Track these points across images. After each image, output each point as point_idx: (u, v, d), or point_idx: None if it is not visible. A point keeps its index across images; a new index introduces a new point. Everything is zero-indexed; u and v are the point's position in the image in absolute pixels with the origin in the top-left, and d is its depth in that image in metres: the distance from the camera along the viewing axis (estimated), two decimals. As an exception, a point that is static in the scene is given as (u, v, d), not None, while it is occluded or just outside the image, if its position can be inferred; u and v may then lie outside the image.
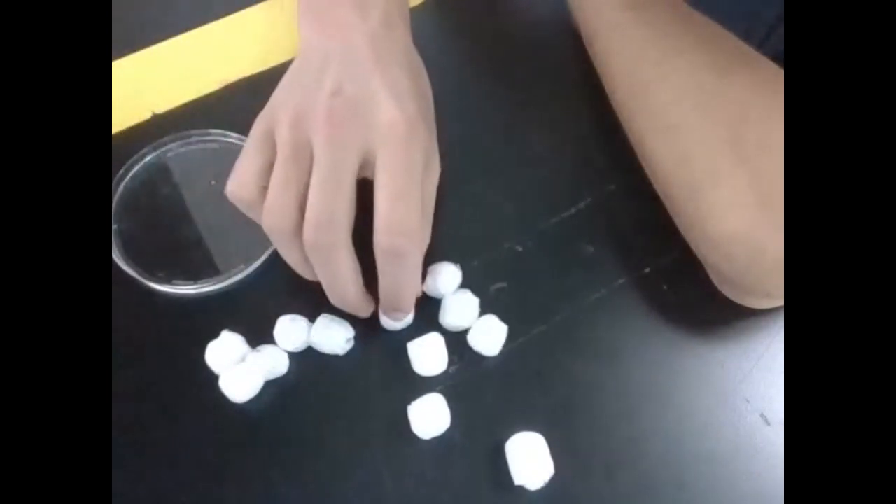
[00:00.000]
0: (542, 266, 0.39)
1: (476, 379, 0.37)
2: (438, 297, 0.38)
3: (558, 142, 0.43)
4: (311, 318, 0.37)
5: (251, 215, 0.35)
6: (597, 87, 0.42)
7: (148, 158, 0.42)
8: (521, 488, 0.34)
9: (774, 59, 0.35)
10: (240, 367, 0.36)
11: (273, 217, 0.33)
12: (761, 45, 0.36)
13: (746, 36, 0.37)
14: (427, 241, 0.37)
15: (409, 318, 0.37)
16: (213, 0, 0.47)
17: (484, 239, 0.40)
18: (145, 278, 0.38)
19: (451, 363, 0.37)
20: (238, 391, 0.35)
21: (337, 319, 0.37)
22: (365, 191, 0.34)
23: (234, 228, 0.39)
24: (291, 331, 0.37)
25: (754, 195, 0.32)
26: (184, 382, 0.37)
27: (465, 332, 0.37)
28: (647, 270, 0.39)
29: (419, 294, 0.37)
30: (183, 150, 0.42)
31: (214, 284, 0.38)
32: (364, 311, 0.37)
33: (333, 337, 0.37)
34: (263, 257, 0.39)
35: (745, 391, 0.37)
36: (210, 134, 0.42)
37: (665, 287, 0.39)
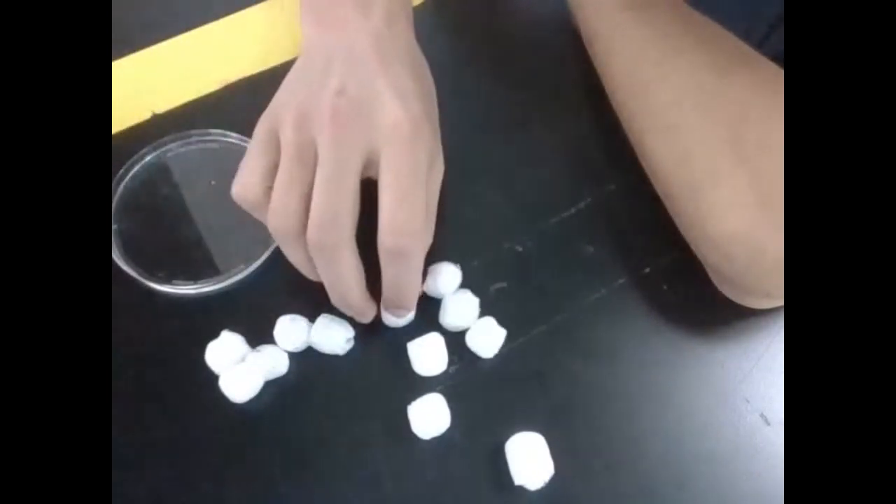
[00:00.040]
0: (542, 266, 0.39)
1: (476, 379, 0.37)
2: (438, 297, 0.38)
3: (558, 142, 0.43)
4: (311, 318, 0.37)
5: (257, 216, 0.35)
6: (597, 87, 0.42)
7: (148, 158, 0.42)
8: (521, 488, 0.34)
9: (774, 59, 0.35)
10: (240, 367, 0.36)
11: (278, 218, 0.33)
12: (761, 45, 0.36)
13: (746, 36, 0.37)
14: (431, 240, 0.37)
15: (410, 315, 0.37)
16: (213, 0, 0.47)
17: (484, 239, 0.40)
18: (145, 278, 0.38)
19: (451, 363, 0.37)
20: (238, 391, 0.35)
21: (337, 319, 0.37)
22: (369, 190, 0.34)
23: (234, 228, 0.39)
24: (291, 331, 0.37)
25: (754, 195, 0.32)
26: (184, 382, 0.37)
27: (465, 332, 0.37)
28: (647, 270, 0.39)
29: (420, 293, 0.37)
30: (183, 150, 0.42)
31: (214, 284, 0.38)
32: (365, 316, 0.37)
33: (333, 337, 0.37)
34: (263, 257, 0.39)
35: (745, 391, 0.37)
36: (210, 134, 0.42)
37: (665, 287, 0.39)
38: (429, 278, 0.38)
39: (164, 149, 0.42)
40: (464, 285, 0.38)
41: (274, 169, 0.34)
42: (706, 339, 0.38)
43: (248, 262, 0.39)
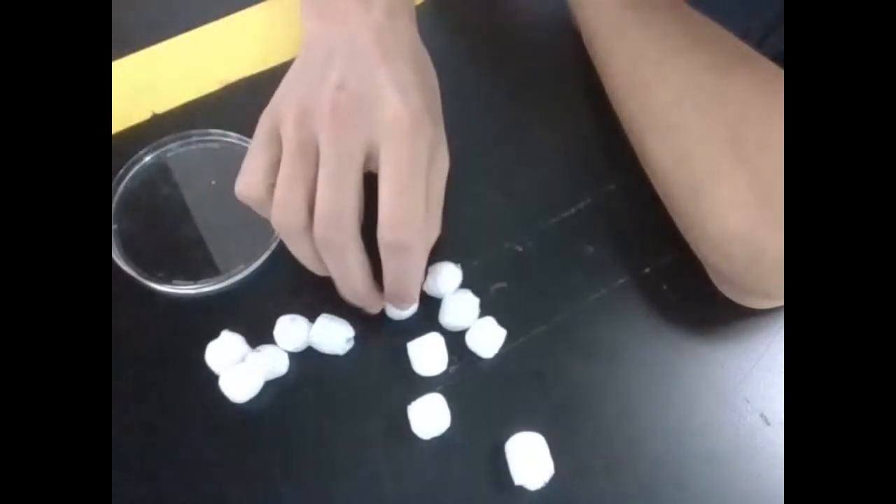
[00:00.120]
0: (542, 266, 0.39)
1: (476, 379, 0.37)
2: (439, 296, 0.38)
3: (558, 142, 0.43)
4: (311, 318, 0.37)
5: (261, 213, 0.35)
6: (597, 87, 0.42)
7: (148, 158, 0.42)
8: (521, 488, 0.34)
9: (774, 59, 0.35)
10: (240, 367, 0.36)
11: (282, 214, 0.33)
12: (761, 45, 0.36)
13: (746, 36, 0.37)
14: (437, 233, 0.37)
15: (413, 307, 0.37)
16: (212, 0, 0.47)
17: (484, 239, 0.40)
18: (145, 278, 0.38)
19: (451, 363, 0.37)
20: (238, 391, 0.35)
21: (337, 319, 0.37)
22: (373, 184, 0.34)
23: (234, 228, 0.39)
24: (291, 331, 0.37)
25: (754, 195, 0.32)
26: (184, 382, 0.37)
27: (465, 332, 0.37)
28: (647, 270, 0.39)
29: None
30: (183, 150, 0.42)
31: (214, 284, 0.38)
32: (373, 307, 0.37)
33: (333, 337, 0.37)
34: (263, 257, 0.39)
35: (745, 391, 0.37)
36: (210, 134, 0.42)
37: (665, 287, 0.39)
38: (429, 278, 0.38)
39: (164, 149, 0.42)
40: (464, 285, 0.38)
41: (276, 165, 0.34)
42: (706, 339, 0.38)
43: (248, 262, 0.39)
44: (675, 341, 0.38)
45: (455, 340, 0.37)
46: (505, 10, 0.49)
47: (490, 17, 0.48)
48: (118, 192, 0.41)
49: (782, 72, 0.34)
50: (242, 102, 0.39)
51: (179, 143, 0.42)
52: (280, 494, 0.34)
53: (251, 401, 0.36)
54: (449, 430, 0.35)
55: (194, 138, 0.42)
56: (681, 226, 0.37)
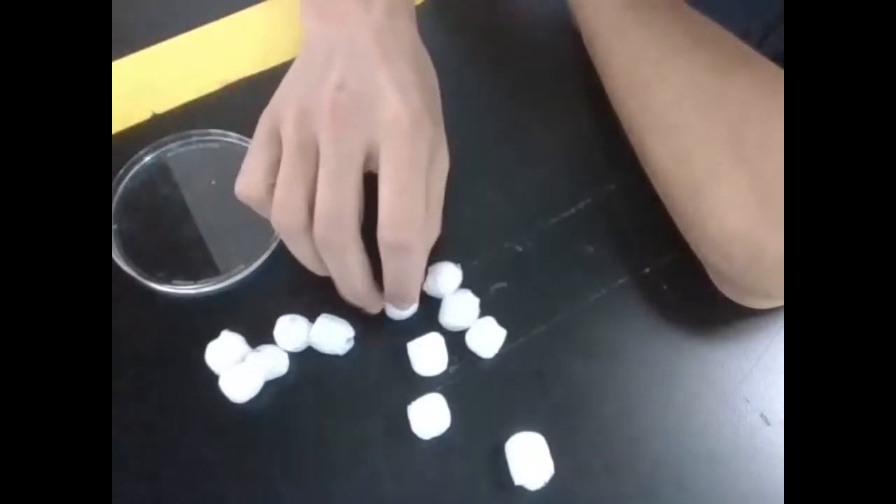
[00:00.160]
0: (542, 266, 0.39)
1: (476, 379, 0.37)
2: (438, 296, 0.38)
3: (558, 142, 0.43)
4: (311, 318, 0.37)
5: (261, 213, 0.35)
6: (597, 87, 0.42)
7: (148, 159, 0.42)
8: (521, 488, 0.34)
9: (774, 59, 0.35)
10: (240, 367, 0.36)
11: (282, 214, 0.33)
12: (761, 45, 0.36)
13: (746, 36, 0.37)
14: (437, 233, 0.37)
15: (413, 307, 0.37)
16: (212, 0, 0.47)
17: (484, 239, 0.40)
18: (145, 278, 0.38)
19: (451, 363, 0.37)
20: (238, 391, 0.35)
21: (337, 319, 0.37)
22: (373, 184, 0.34)
23: (234, 228, 0.39)
24: (291, 331, 0.37)
25: (754, 195, 0.32)
26: (184, 382, 0.37)
27: (465, 332, 0.37)
28: (647, 270, 0.39)
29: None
30: (183, 150, 0.42)
31: (214, 284, 0.38)
32: (373, 307, 0.37)
33: (333, 337, 0.37)
34: (263, 257, 0.39)
35: (745, 391, 0.37)
36: (210, 134, 0.42)
37: (665, 287, 0.39)
38: (429, 278, 0.38)
39: (164, 149, 0.42)
40: (464, 285, 0.38)
41: (276, 165, 0.34)
42: (706, 339, 0.38)
43: (248, 262, 0.39)
44: (675, 341, 0.38)
45: (455, 340, 0.37)
46: (505, 10, 0.49)
47: (490, 17, 0.48)
48: (118, 192, 0.41)
49: (782, 72, 0.34)
50: (242, 102, 0.39)
51: (179, 143, 0.42)
52: (280, 494, 0.34)
53: (251, 401, 0.36)
54: (449, 430, 0.35)
55: (194, 138, 0.42)
56: (681, 226, 0.37)
